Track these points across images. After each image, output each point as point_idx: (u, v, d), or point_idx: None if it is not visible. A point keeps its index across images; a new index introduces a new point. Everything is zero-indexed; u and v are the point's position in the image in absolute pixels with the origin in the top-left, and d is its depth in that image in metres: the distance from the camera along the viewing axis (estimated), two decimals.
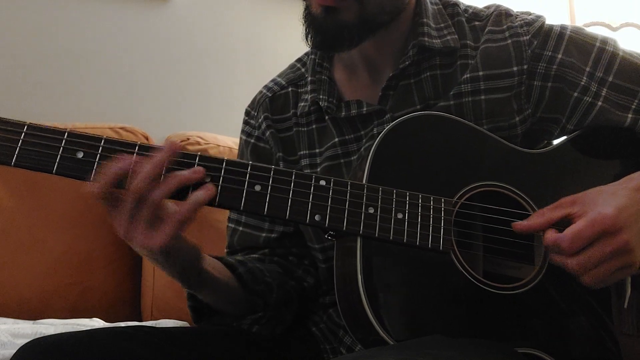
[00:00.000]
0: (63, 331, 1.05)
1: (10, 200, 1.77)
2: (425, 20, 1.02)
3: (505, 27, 1.02)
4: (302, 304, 1.09)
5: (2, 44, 2.04)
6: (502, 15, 1.04)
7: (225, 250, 1.16)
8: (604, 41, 1.02)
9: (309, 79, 1.08)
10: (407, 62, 1.00)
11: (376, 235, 0.83)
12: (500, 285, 0.87)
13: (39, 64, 2.08)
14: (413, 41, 1.01)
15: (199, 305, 1.01)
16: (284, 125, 1.11)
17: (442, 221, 0.86)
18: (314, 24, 0.96)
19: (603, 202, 0.84)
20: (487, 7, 1.07)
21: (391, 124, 0.91)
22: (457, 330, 0.85)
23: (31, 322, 1.61)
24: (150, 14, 2.23)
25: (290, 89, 1.12)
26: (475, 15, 1.06)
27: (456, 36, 1.03)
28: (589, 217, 0.82)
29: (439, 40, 1.01)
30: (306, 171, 1.06)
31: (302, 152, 1.08)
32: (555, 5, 2.27)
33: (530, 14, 1.05)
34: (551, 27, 1.02)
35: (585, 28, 1.09)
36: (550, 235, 0.84)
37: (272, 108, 1.12)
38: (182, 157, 0.80)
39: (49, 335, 0.86)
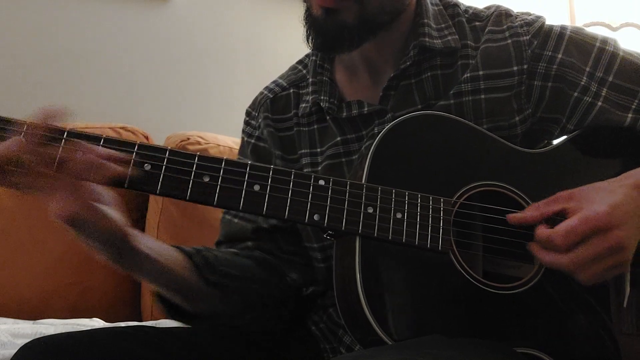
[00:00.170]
0: (63, 331, 1.05)
1: (10, 200, 1.77)
2: (426, 20, 1.02)
3: (505, 27, 1.03)
4: (286, 299, 1.07)
5: (2, 44, 2.05)
6: (502, 15, 1.04)
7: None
8: (604, 41, 1.02)
9: (310, 80, 1.08)
10: (408, 63, 1.00)
11: (375, 235, 0.83)
12: (499, 285, 0.87)
13: (39, 64, 2.08)
14: (414, 41, 1.01)
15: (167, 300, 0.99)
16: (284, 125, 1.11)
17: (441, 221, 0.86)
18: (314, 25, 0.96)
19: (599, 198, 0.84)
20: (487, 8, 1.07)
21: (391, 124, 0.91)
22: (456, 330, 0.85)
23: (31, 322, 1.61)
24: (150, 14, 2.23)
25: (291, 90, 1.12)
26: (475, 15, 1.06)
27: (457, 36, 1.03)
28: (584, 214, 0.82)
29: (439, 41, 1.01)
30: (307, 170, 1.06)
31: (302, 151, 1.08)
32: (555, 5, 2.27)
33: (530, 14, 1.05)
34: (551, 27, 1.03)
35: (585, 28, 1.09)
36: (543, 230, 0.84)
37: (273, 108, 1.12)
38: (181, 156, 0.80)
39: (49, 335, 0.86)
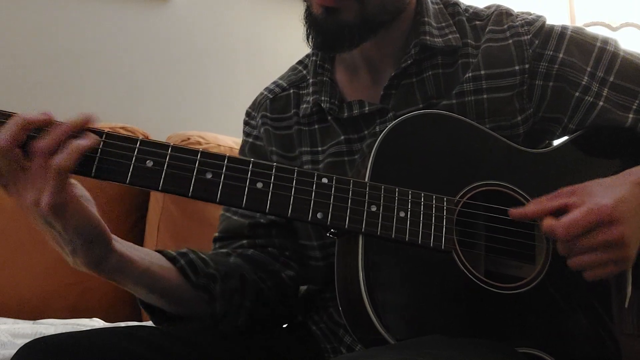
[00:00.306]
0: (63, 331, 1.05)
1: (11, 200, 1.77)
2: (426, 19, 1.02)
3: (506, 26, 1.02)
4: (281, 297, 1.07)
5: (2, 44, 2.05)
6: (502, 14, 1.04)
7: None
8: (605, 41, 1.02)
9: (311, 80, 1.08)
10: (409, 61, 1.00)
11: (378, 233, 0.83)
12: (501, 284, 0.87)
13: (39, 64, 2.08)
14: (415, 40, 1.01)
15: (151, 306, 0.99)
16: (282, 124, 1.10)
17: (444, 220, 0.86)
18: (314, 24, 0.96)
19: (602, 193, 0.84)
20: (488, 7, 1.07)
21: (393, 122, 0.91)
22: (458, 329, 0.85)
23: (31, 322, 1.61)
24: (150, 14, 2.23)
25: (291, 91, 1.12)
26: (475, 14, 1.06)
27: (457, 35, 1.03)
28: (586, 207, 0.82)
29: (440, 39, 1.01)
30: (307, 167, 1.06)
31: (302, 149, 1.07)
32: (555, 5, 2.27)
33: (530, 13, 1.05)
34: (552, 27, 1.03)
35: (585, 28, 1.09)
36: (547, 221, 0.84)
37: (272, 108, 1.12)
38: (184, 153, 0.80)
39: (49, 335, 0.86)
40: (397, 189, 0.85)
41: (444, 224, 0.86)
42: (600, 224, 0.81)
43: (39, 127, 0.76)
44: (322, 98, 1.05)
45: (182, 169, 0.80)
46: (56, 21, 2.11)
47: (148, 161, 0.79)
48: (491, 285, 0.86)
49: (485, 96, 0.99)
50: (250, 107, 1.18)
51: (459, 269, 0.85)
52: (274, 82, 1.16)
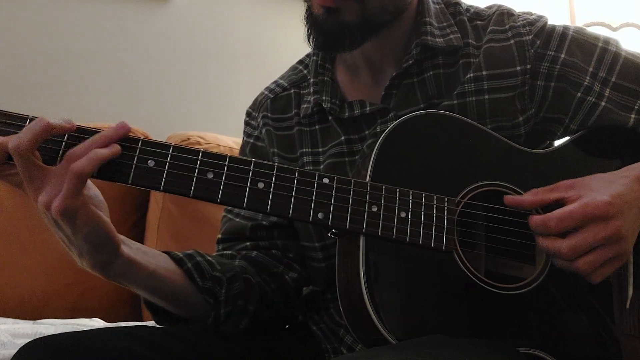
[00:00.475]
0: (63, 331, 1.05)
1: (11, 200, 1.77)
2: (427, 19, 1.02)
3: (507, 26, 1.02)
4: (285, 299, 1.07)
5: (2, 44, 2.05)
6: (504, 14, 1.04)
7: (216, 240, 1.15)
8: (607, 41, 1.02)
9: (312, 80, 1.08)
10: (410, 61, 1.00)
11: (379, 233, 0.83)
12: (502, 285, 0.86)
13: (39, 64, 2.08)
14: (416, 40, 1.01)
15: (155, 306, 0.99)
16: (283, 125, 1.10)
17: (445, 220, 0.86)
18: (315, 24, 0.96)
19: (600, 188, 0.84)
20: (489, 7, 1.07)
21: (395, 123, 0.91)
22: (459, 329, 0.85)
23: (31, 322, 1.61)
24: (150, 14, 2.23)
25: (292, 91, 1.12)
26: (477, 14, 1.06)
27: (459, 35, 1.03)
28: (582, 201, 0.82)
29: (442, 39, 1.01)
30: (308, 168, 1.06)
31: (303, 150, 1.07)
32: (555, 5, 2.27)
33: (532, 14, 1.05)
34: (554, 27, 1.02)
35: (587, 28, 1.09)
36: (537, 216, 0.84)
37: (273, 108, 1.12)
38: (185, 153, 0.80)
39: (49, 335, 0.85)
40: (398, 189, 0.85)
41: (445, 224, 0.85)
42: (596, 219, 0.81)
43: (60, 134, 0.77)
44: (323, 98, 1.04)
45: (184, 169, 0.80)
46: (56, 21, 2.11)
47: (149, 161, 0.79)
48: (492, 285, 0.86)
49: (486, 97, 0.99)
50: (250, 107, 1.18)
51: (460, 269, 0.85)
52: (275, 82, 1.16)
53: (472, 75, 1.00)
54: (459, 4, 1.08)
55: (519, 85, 0.99)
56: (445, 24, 1.04)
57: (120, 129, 0.80)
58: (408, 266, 0.86)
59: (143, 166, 0.79)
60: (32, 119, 0.78)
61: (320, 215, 0.82)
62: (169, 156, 0.80)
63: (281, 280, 1.06)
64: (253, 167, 0.82)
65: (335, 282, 0.90)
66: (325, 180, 0.83)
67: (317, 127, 1.07)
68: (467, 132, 0.94)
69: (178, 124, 2.15)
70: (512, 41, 1.01)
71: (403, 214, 0.84)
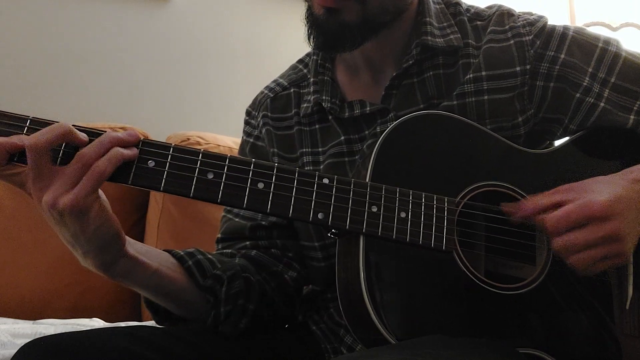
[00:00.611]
0: (63, 331, 1.05)
1: (12, 200, 1.77)
2: (428, 19, 1.02)
3: (507, 27, 1.02)
4: (284, 298, 1.07)
5: (2, 44, 2.05)
6: (504, 15, 1.04)
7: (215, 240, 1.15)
8: (607, 42, 1.02)
9: (312, 80, 1.08)
10: (410, 62, 1.00)
11: (379, 234, 0.83)
12: (502, 285, 0.87)
13: (39, 64, 2.08)
14: (416, 40, 1.01)
15: (155, 305, 0.99)
16: (283, 124, 1.10)
17: (445, 221, 0.86)
18: (316, 24, 0.96)
19: (598, 190, 0.84)
20: (489, 7, 1.07)
21: (394, 123, 0.91)
22: (459, 329, 0.85)
23: (31, 322, 1.61)
24: (150, 14, 2.23)
25: (292, 90, 1.12)
26: (477, 15, 1.06)
27: (459, 35, 1.03)
28: (580, 202, 0.83)
29: (442, 40, 1.01)
30: (308, 168, 1.06)
31: (303, 150, 1.07)
32: (555, 5, 2.27)
33: (532, 14, 1.05)
34: (554, 27, 1.02)
35: (587, 29, 1.09)
36: (539, 217, 0.85)
37: (273, 107, 1.12)
38: (185, 153, 0.80)
39: (49, 335, 0.85)
40: (398, 190, 0.85)
41: (445, 224, 0.86)
42: (593, 220, 0.81)
43: (74, 143, 0.78)
44: (323, 97, 1.04)
45: (184, 169, 0.80)
46: (56, 21, 2.11)
47: (150, 161, 0.80)
48: (492, 285, 0.86)
49: (486, 97, 0.99)
50: (250, 106, 1.18)
51: (460, 269, 0.85)
52: (275, 81, 1.16)
53: (471, 75, 1.00)
54: (459, 4, 1.08)
55: (518, 86, 0.99)
56: (445, 24, 1.04)
57: (132, 136, 0.80)
58: (408, 266, 0.86)
59: (143, 166, 0.79)
60: (32, 120, 0.78)
61: (320, 216, 0.82)
62: (169, 156, 0.80)
63: (280, 279, 1.06)
64: (253, 167, 0.82)
65: (335, 282, 0.90)
66: (325, 181, 0.83)
67: (317, 126, 1.07)
68: (466, 133, 0.94)
69: (178, 124, 2.15)
70: (511, 41, 1.01)
71: (403, 214, 0.84)
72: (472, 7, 1.08)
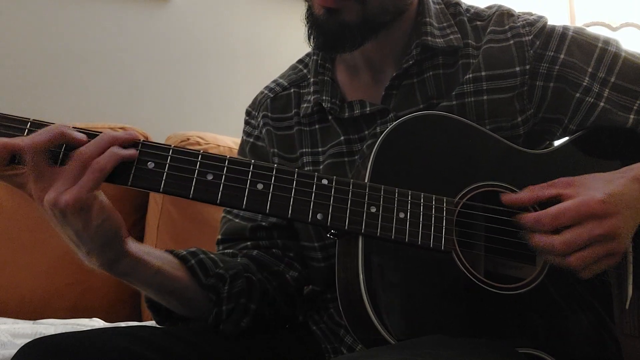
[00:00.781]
0: (63, 331, 1.05)
1: (11, 200, 1.77)
2: (428, 19, 1.02)
3: (507, 27, 1.02)
4: (285, 298, 1.07)
5: (2, 44, 2.05)
6: (504, 15, 1.04)
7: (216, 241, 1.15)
8: (607, 42, 1.02)
9: (312, 80, 1.08)
10: (410, 62, 1.00)
11: (378, 234, 0.83)
12: (501, 285, 0.87)
13: (39, 64, 2.08)
14: (416, 40, 1.01)
15: (157, 305, 0.99)
16: (283, 124, 1.10)
17: (444, 221, 0.86)
18: (316, 25, 0.96)
19: (597, 186, 0.84)
20: (489, 7, 1.07)
21: (394, 124, 0.91)
22: (458, 330, 0.85)
23: (31, 322, 1.61)
24: (150, 14, 2.23)
25: (292, 90, 1.12)
26: (477, 15, 1.06)
27: (459, 35, 1.03)
28: (578, 199, 0.83)
29: (442, 40, 1.01)
30: (308, 169, 1.06)
31: (303, 150, 1.07)
32: (555, 5, 2.27)
33: (532, 14, 1.05)
34: (553, 28, 1.03)
35: (586, 28, 1.09)
36: (531, 213, 0.85)
37: (273, 108, 1.12)
38: (185, 155, 0.80)
39: (49, 335, 0.86)
40: (396, 190, 0.85)
41: (444, 224, 0.86)
42: (591, 217, 0.81)
43: (71, 143, 0.78)
44: (323, 97, 1.04)
45: (183, 170, 0.80)
46: (56, 21, 2.11)
47: (149, 163, 0.80)
48: (491, 285, 0.86)
49: (485, 97, 0.99)
50: (250, 106, 1.18)
51: (459, 269, 0.85)
52: (275, 81, 1.16)
53: (471, 75, 1.00)
54: (459, 4, 1.08)
55: (518, 86, 0.99)
56: (445, 24, 1.04)
57: (131, 136, 0.81)
58: (407, 267, 0.86)
59: (143, 168, 0.80)
60: (33, 123, 0.79)
61: (319, 216, 0.82)
62: (169, 158, 0.80)
63: (282, 279, 1.06)
64: (252, 168, 0.82)
65: (335, 282, 0.90)
66: (324, 181, 0.83)
67: (316, 126, 1.07)
68: (466, 133, 0.94)
69: (178, 124, 2.15)
70: (511, 42, 1.01)
71: (402, 215, 0.84)
72: (472, 7, 1.08)
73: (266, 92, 1.15)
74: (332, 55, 1.08)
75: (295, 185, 0.82)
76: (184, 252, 0.98)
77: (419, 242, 0.84)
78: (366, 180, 0.86)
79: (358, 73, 1.06)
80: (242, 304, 0.99)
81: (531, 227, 0.85)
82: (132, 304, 1.82)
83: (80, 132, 0.79)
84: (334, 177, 0.84)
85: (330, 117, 1.05)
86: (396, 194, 0.85)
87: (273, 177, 0.82)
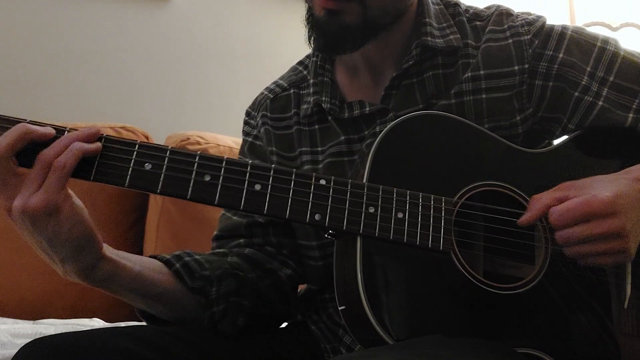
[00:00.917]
0: (63, 331, 1.05)
1: None
2: (427, 20, 1.02)
3: (506, 26, 1.03)
4: (280, 296, 1.07)
5: (2, 44, 2.05)
6: (503, 15, 1.04)
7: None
8: (605, 41, 1.02)
9: (311, 81, 1.08)
10: (410, 62, 1.00)
11: (376, 234, 0.83)
12: (500, 285, 0.87)
13: (39, 64, 2.08)
14: (416, 41, 1.01)
15: (151, 316, 0.99)
16: (282, 124, 1.11)
17: (443, 221, 0.86)
18: (316, 26, 0.96)
19: (601, 187, 0.85)
20: (488, 8, 1.08)
21: (392, 123, 0.91)
22: (457, 330, 0.85)
23: (31, 322, 1.61)
24: (150, 14, 2.23)
25: (292, 91, 1.12)
26: (476, 15, 1.06)
27: (458, 35, 1.03)
28: (583, 198, 0.83)
29: (441, 40, 1.01)
30: (307, 167, 1.06)
31: (302, 149, 1.08)
32: (555, 5, 2.27)
33: (530, 14, 1.06)
34: (552, 27, 1.03)
35: (586, 28, 1.09)
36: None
37: (272, 108, 1.12)
38: (182, 155, 0.80)
39: (49, 335, 0.86)
40: (395, 190, 0.85)
41: (442, 224, 0.86)
42: (597, 216, 0.82)
43: (38, 140, 0.77)
44: (323, 98, 1.05)
45: (181, 171, 0.80)
46: (56, 21, 2.12)
47: (146, 164, 0.80)
48: (490, 285, 0.86)
49: (484, 96, 0.99)
50: (250, 107, 1.18)
51: (458, 269, 0.85)
52: (275, 82, 1.17)
53: (469, 74, 1.00)
54: (458, 4, 1.08)
55: (516, 85, 0.99)
56: (444, 25, 1.04)
57: (92, 129, 0.80)
58: (406, 267, 0.86)
59: (140, 169, 0.80)
60: (30, 124, 0.78)
61: (317, 217, 0.82)
62: (166, 159, 0.80)
63: (275, 277, 1.06)
64: (250, 169, 0.82)
65: (334, 282, 0.90)
66: (322, 182, 0.84)
67: (316, 127, 1.07)
68: (464, 133, 0.94)
69: (178, 124, 2.15)
70: (510, 41, 1.01)
71: (400, 215, 0.84)
72: (471, 7, 1.08)
73: (266, 92, 1.15)
74: (332, 56, 1.08)
75: (293, 186, 0.83)
76: (168, 256, 0.98)
77: (418, 242, 0.84)
78: (365, 180, 0.86)
79: (358, 74, 1.06)
80: (234, 302, 0.98)
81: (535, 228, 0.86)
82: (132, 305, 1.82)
83: (44, 126, 0.78)
84: (332, 177, 0.84)
85: (329, 118, 1.05)
86: (394, 194, 0.85)
87: (271, 178, 0.82)
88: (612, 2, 2.26)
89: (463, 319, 0.87)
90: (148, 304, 0.96)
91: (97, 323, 1.64)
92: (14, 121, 0.78)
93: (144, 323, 1.04)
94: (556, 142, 1.04)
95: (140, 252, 1.87)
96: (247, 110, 1.19)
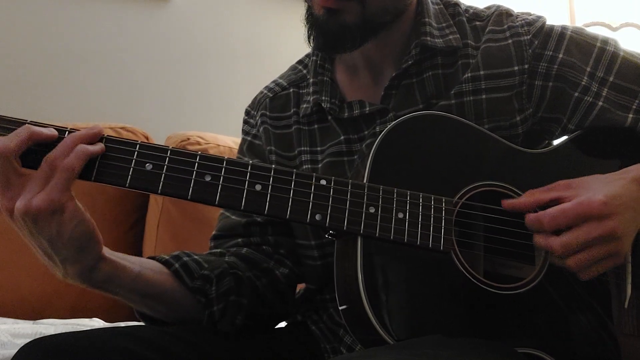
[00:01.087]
0: (63, 331, 1.05)
1: None
2: (427, 19, 1.02)
3: (506, 26, 1.03)
4: (277, 295, 1.07)
5: (2, 44, 2.05)
6: (502, 15, 1.04)
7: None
8: (605, 41, 1.02)
9: (311, 80, 1.08)
10: (409, 62, 1.00)
11: (377, 235, 0.83)
12: (500, 285, 0.87)
13: (39, 64, 2.08)
14: (415, 40, 1.01)
15: (151, 318, 0.99)
16: (281, 123, 1.11)
17: (443, 221, 0.86)
18: (316, 25, 0.96)
19: (596, 188, 0.85)
20: (488, 8, 1.08)
21: (392, 123, 0.91)
22: (457, 330, 0.85)
23: (31, 322, 1.61)
24: (150, 14, 2.23)
25: (291, 90, 1.12)
26: (476, 15, 1.06)
27: (458, 35, 1.03)
28: (577, 200, 0.83)
29: (441, 40, 1.01)
30: (306, 167, 1.06)
31: (302, 149, 1.07)
32: (555, 5, 2.27)
33: (530, 14, 1.06)
34: (552, 27, 1.03)
35: (585, 28, 1.09)
36: (532, 214, 0.85)
37: (271, 107, 1.12)
38: (183, 156, 0.80)
39: (49, 335, 0.86)
40: (395, 190, 0.85)
41: (443, 224, 0.86)
42: (590, 218, 0.82)
43: (42, 142, 0.78)
44: (323, 98, 1.05)
45: (181, 171, 0.80)
46: (56, 21, 2.12)
47: (147, 164, 0.80)
48: (490, 285, 0.86)
49: (484, 96, 0.99)
50: (249, 106, 1.18)
51: (458, 269, 0.85)
52: (274, 81, 1.17)
53: (469, 75, 1.00)
54: (458, 4, 1.08)
55: (516, 85, 0.99)
56: (444, 25, 1.04)
57: (94, 129, 0.81)
58: (406, 267, 0.86)
59: (140, 169, 0.80)
60: (31, 124, 0.78)
61: (317, 217, 0.82)
62: (167, 159, 0.80)
63: (272, 276, 1.06)
64: (250, 169, 0.82)
65: (334, 282, 0.90)
66: (323, 182, 0.84)
67: (315, 126, 1.07)
68: (464, 133, 0.94)
69: (178, 124, 2.15)
70: (510, 41, 1.01)
71: (401, 215, 0.84)
72: (471, 7, 1.08)
73: (265, 91, 1.15)
74: (332, 55, 1.08)
75: (294, 186, 0.83)
76: (167, 257, 0.98)
77: (418, 243, 0.84)
78: (365, 180, 0.86)
79: (357, 73, 1.06)
80: (233, 301, 0.99)
81: (531, 228, 0.86)
82: None
83: (46, 127, 0.79)
84: (333, 177, 0.84)
85: (329, 118, 1.05)
86: (395, 194, 0.85)
87: (271, 178, 0.82)
88: (612, 2, 2.27)
89: (463, 319, 0.87)
90: (148, 305, 0.96)
91: (97, 323, 1.64)
92: (15, 122, 0.79)
93: (143, 323, 1.04)
94: (556, 142, 1.04)
95: (140, 253, 1.87)
96: (246, 109, 1.19)
